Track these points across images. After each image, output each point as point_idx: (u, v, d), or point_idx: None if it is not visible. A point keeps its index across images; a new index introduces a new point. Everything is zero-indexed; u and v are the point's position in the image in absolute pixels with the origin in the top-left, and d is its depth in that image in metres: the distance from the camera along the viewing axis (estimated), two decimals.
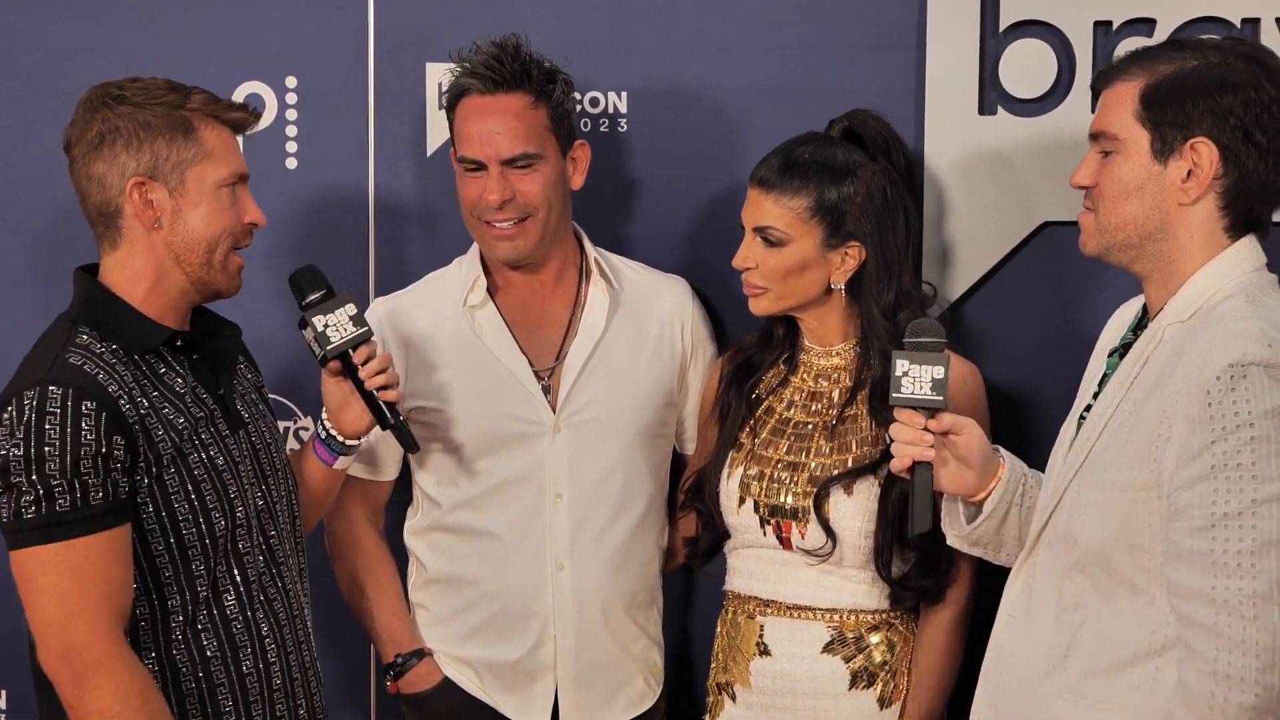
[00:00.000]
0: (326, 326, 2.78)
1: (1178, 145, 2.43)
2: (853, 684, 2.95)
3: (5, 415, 2.53)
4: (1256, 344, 2.30)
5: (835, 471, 2.94)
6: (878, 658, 2.96)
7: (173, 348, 2.68)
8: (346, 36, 3.41)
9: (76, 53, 3.45)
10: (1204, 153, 2.42)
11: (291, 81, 3.43)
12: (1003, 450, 2.73)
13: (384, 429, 2.85)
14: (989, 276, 3.26)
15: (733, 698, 3.05)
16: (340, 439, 2.92)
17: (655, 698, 3.23)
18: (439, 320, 3.13)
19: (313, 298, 2.80)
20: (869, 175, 2.94)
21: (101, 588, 2.52)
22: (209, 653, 2.63)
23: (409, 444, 2.88)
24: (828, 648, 2.96)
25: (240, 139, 2.76)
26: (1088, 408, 2.58)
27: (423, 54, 3.39)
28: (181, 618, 2.62)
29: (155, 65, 3.19)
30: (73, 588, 2.51)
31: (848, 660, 2.95)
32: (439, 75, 3.36)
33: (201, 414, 2.66)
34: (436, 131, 3.39)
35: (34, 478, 2.50)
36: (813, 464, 2.96)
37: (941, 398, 2.57)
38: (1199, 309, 2.43)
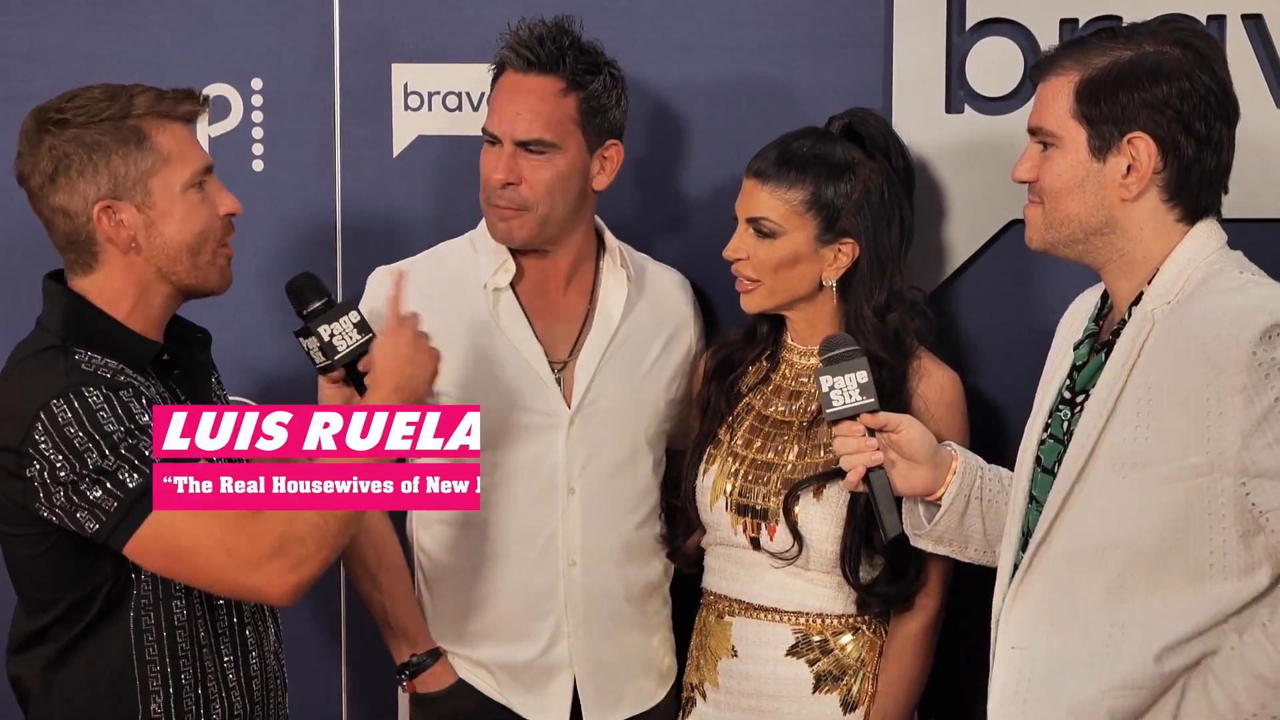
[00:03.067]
0: (333, 336, 2.73)
1: (1115, 141, 2.43)
2: (817, 687, 2.95)
3: (38, 430, 2.46)
4: None
5: (807, 474, 2.93)
6: (843, 662, 2.95)
7: (158, 363, 2.63)
8: (312, 38, 3.39)
9: (36, 56, 3.41)
10: (1141, 147, 2.42)
11: (257, 83, 3.41)
12: (954, 445, 2.74)
13: None
14: (958, 274, 3.26)
15: (704, 696, 3.05)
16: None
17: (668, 689, 3.19)
18: (455, 299, 3.06)
19: (315, 306, 2.74)
20: (867, 173, 2.93)
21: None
22: (208, 668, 2.61)
23: None
24: (792, 650, 2.96)
25: (201, 128, 2.69)
26: (1064, 401, 2.56)
27: (388, 55, 3.37)
28: (188, 631, 2.59)
29: (118, 68, 3.18)
30: (206, 521, 2.47)
31: (812, 664, 2.95)
32: (405, 76, 3.36)
33: None
34: (403, 132, 3.38)
35: (121, 452, 2.45)
36: (786, 465, 2.95)
37: (872, 399, 2.60)
38: (1181, 289, 2.42)
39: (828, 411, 2.61)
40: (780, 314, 3.02)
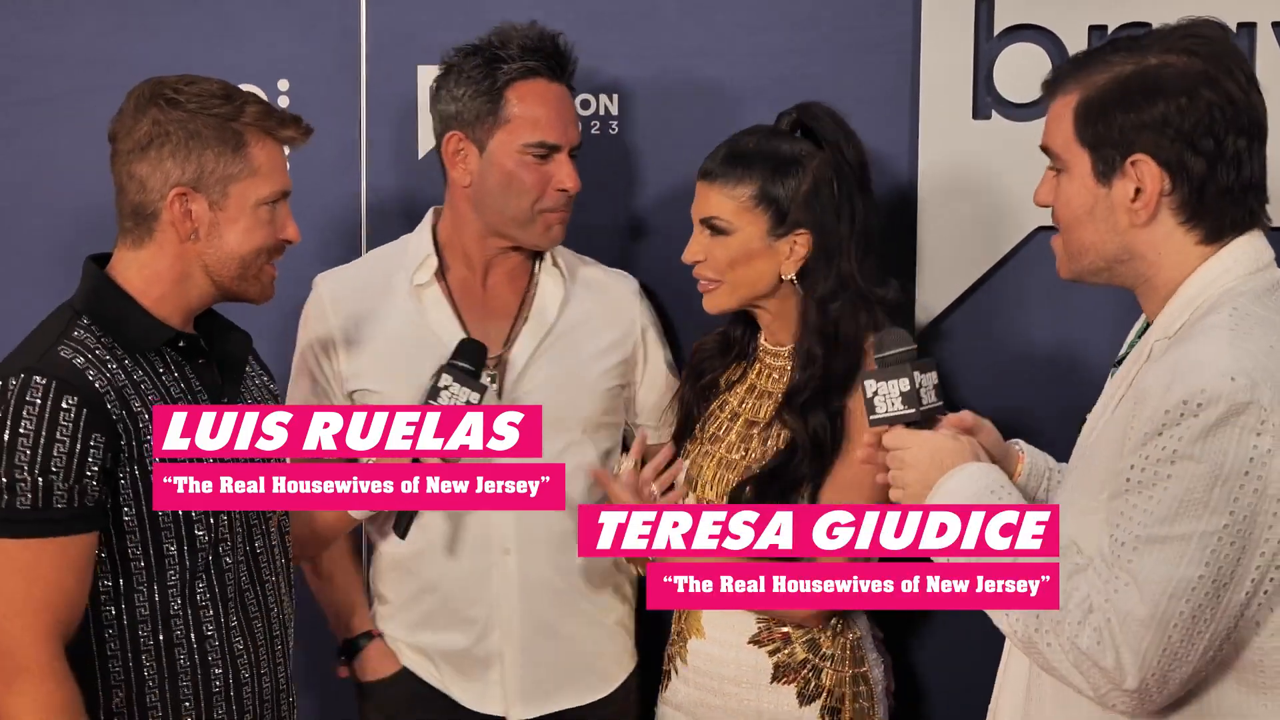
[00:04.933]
0: (445, 388, 2.86)
1: (1118, 165, 2.28)
2: (775, 677, 2.94)
3: None
4: (1219, 378, 2.14)
5: (757, 471, 2.93)
6: (800, 654, 2.94)
7: (176, 349, 2.64)
8: (338, 39, 3.40)
9: (58, 59, 3.43)
10: (1145, 170, 2.27)
11: (283, 85, 3.42)
12: (1023, 443, 2.67)
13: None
14: (983, 281, 3.25)
15: (676, 672, 3.08)
16: None
17: (620, 682, 3.21)
18: (384, 298, 3.11)
19: (462, 364, 2.88)
20: (815, 165, 2.90)
21: (46, 593, 2.48)
22: (180, 666, 2.60)
23: (401, 527, 2.96)
24: (754, 639, 2.96)
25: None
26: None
27: (414, 57, 3.38)
28: (151, 628, 2.58)
29: (140, 72, 3.14)
30: (16, 586, 2.47)
31: (772, 654, 2.95)
32: (430, 78, 3.35)
33: None
34: (428, 134, 3.36)
35: (1, 467, 2.47)
36: (743, 462, 2.96)
37: (913, 409, 2.49)
38: (1186, 321, 2.29)
39: (870, 418, 2.52)
40: (751, 314, 3.02)
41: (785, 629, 2.94)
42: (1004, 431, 3.12)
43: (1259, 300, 2.27)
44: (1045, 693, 2.38)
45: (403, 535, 2.95)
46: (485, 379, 2.89)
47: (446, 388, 2.85)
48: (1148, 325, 2.45)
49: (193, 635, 2.61)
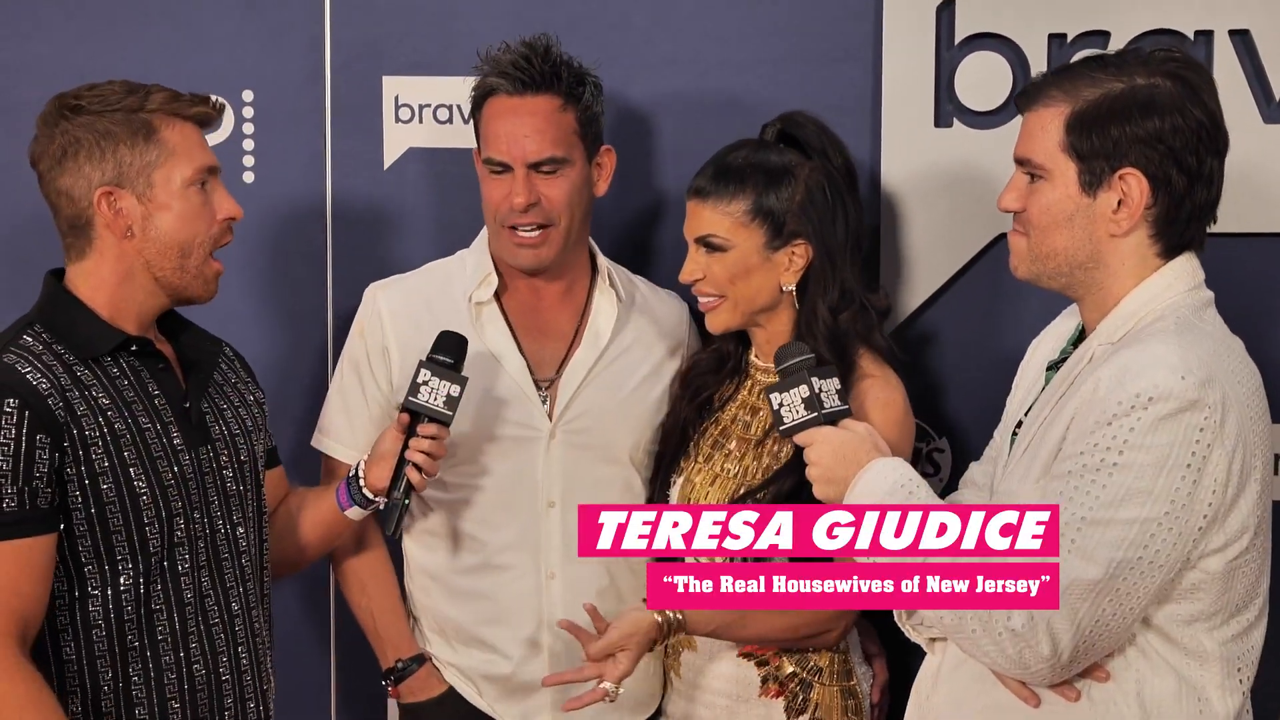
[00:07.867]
0: (425, 384, 2.84)
1: (1106, 176, 2.38)
2: (763, 690, 2.96)
3: None
4: (1170, 375, 2.26)
5: (752, 486, 2.94)
6: (788, 668, 2.96)
7: (132, 354, 2.64)
8: (303, 50, 3.39)
9: (26, 68, 3.41)
10: (1133, 183, 2.37)
11: (248, 95, 3.41)
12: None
13: (388, 496, 2.87)
14: (946, 288, 3.28)
15: (671, 684, 3.09)
16: (361, 486, 2.92)
17: (653, 710, 3.17)
18: (440, 313, 3.06)
19: (441, 358, 2.84)
20: (806, 174, 2.91)
21: (3, 597, 2.47)
22: (133, 671, 2.59)
23: (388, 522, 2.87)
24: (745, 651, 2.97)
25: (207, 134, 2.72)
26: (1019, 423, 2.56)
27: (379, 68, 3.38)
28: (106, 633, 2.58)
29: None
30: None
31: (760, 666, 2.96)
32: (395, 89, 3.36)
33: (149, 424, 2.62)
34: (393, 145, 3.39)
35: None
36: (735, 480, 2.97)
37: (815, 412, 2.57)
38: (1129, 330, 2.39)
39: (780, 430, 2.61)
40: (745, 332, 3.01)
41: None
42: (968, 435, 3.17)
43: (1196, 314, 2.40)
44: None
45: (390, 532, 2.90)
46: (467, 371, 2.86)
47: (426, 383, 2.83)
48: (1082, 331, 2.55)
49: (146, 640, 2.60)
